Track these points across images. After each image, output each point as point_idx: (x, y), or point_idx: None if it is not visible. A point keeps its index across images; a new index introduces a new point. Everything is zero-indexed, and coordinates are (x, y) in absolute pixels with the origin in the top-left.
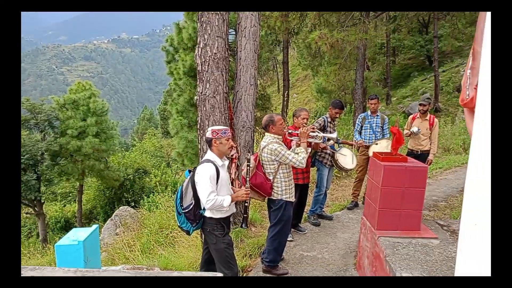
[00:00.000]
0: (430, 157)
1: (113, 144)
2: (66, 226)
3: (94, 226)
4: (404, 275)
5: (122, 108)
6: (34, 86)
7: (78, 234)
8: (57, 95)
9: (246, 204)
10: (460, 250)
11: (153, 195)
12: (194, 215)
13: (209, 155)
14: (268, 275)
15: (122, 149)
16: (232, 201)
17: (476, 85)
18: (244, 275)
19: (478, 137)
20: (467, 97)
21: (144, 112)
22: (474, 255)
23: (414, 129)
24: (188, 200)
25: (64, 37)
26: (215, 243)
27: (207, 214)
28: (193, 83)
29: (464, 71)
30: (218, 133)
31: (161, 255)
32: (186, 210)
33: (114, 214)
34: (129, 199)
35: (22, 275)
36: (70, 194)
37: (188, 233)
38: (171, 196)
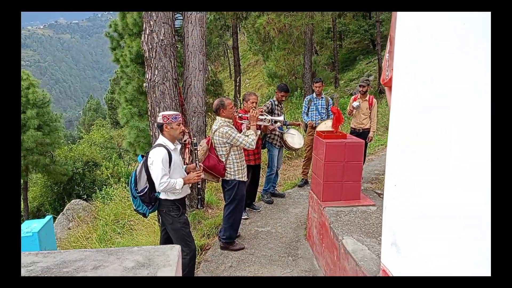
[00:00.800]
0: (371, 134)
1: (58, 137)
2: None
3: (48, 217)
4: (345, 239)
5: (65, 99)
6: None
7: (32, 225)
8: None
9: (198, 186)
10: (385, 207)
11: (106, 187)
12: (149, 198)
13: (161, 139)
14: (226, 251)
15: (68, 142)
16: (184, 184)
17: (393, 67)
18: (203, 253)
19: (394, 110)
20: (387, 77)
21: (90, 102)
22: (394, 211)
23: (355, 103)
24: (143, 184)
25: None
26: (172, 223)
27: (162, 196)
28: (141, 71)
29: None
30: (168, 118)
31: (119, 243)
32: (141, 194)
33: (66, 208)
34: (80, 193)
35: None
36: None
37: (144, 215)
38: (125, 187)
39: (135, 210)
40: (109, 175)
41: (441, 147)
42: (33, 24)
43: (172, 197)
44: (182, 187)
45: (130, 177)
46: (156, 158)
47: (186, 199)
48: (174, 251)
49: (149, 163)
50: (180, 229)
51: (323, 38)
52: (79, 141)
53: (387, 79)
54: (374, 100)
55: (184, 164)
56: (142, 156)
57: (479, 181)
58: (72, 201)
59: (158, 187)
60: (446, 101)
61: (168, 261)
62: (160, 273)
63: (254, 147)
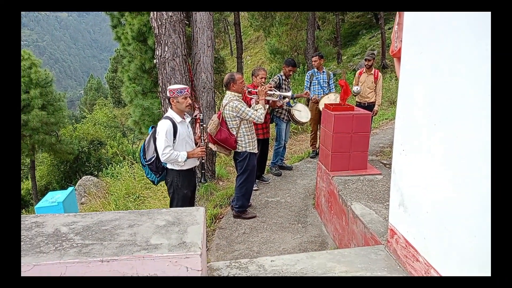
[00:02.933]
0: (376, 107)
1: (62, 116)
2: (22, 205)
3: (70, 188)
4: (354, 204)
5: (65, 79)
6: None
7: (56, 196)
8: None
9: (202, 161)
10: (393, 171)
11: (112, 166)
12: (156, 167)
13: (169, 112)
14: (239, 219)
15: (72, 121)
16: (188, 157)
17: (402, 38)
18: (216, 221)
19: (403, 79)
20: (395, 48)
21: (91, 81)
22: (402, 174)
23: (355, 88)
24: (150, 153)
25: None
26: (172, 192)
27: (169, 166)
28: (144, 48)
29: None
30: (174, 92)
31: None
32: (149, 162)
33: (78, 184)
34: (91, 170)
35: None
36: (21, 172)
37: (153, 183)
38: (131, 165)
39: (146, 176)
40: (117, 152)
41: (446, 113)
42: None
43: (177, 167)
44: (185, 160)
45: (140, 147)
46: (161, 129)
47: (197, 172)
48: (200, 211)
49: (156, 133)
50: (176, 201)
51: (325, 12)
52: (82, 121)
53: (396, 50)
54: (380, 74)
55: (195, 139)
56: (153, 128)
57: (482, 145)
58: (83, 177)
59: (160, 157)
60: (454, 69)
61: (195, 220)
62: (190, 230)
63: (263, 121)
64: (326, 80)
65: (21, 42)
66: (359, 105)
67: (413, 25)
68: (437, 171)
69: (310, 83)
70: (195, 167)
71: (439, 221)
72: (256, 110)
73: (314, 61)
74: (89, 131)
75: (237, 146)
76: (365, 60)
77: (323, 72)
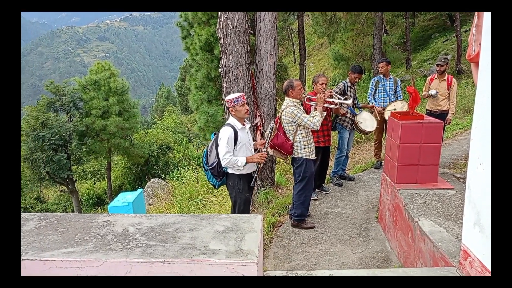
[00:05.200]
0: (449, 116)
1: (136, 122)
2: (98, 202)
3: (139, 190)
4: (422, 220)
5: (140, 87)
6: (53, 69)
7: (127, 197)
8: (77, 77)
9: (259, 166)
10: (468, 187)
11: (177, 169)
12: (217, 172)
13: (230, 119)
14: (297, 228)
15: (144, 127)
16: (247, 162)
17: (480, 42)
18: (275, 229)
19: (481, 86)
20: (473, 52)
21: (162, 89)
22: (479, 191)
23: (432, 91)
24: (212, 158)
25: (77, 18)
26: (234, 196)
27: (229, 170)
28: (210, 58)
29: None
30: (231, 102)
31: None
32: (211, 167)
33: (146, 186)
34: (159, 173)
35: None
36: (99, 172)
37: (214, 187)
38: (195, 169)
39: (208, 181)
40: (181, 158)
41: None
42: (110, 18)
43: (237, 172)
44: (244, 165)
45: (203, 152)
46: (223, 136)
47: (257, 178)
48: (258, 219)
49: (218, 140)
50: (238, 204)
51: (394, 16)
52: (153, 126)
53: (473, 55)
54: (454, 79)
55: (255, 146)
56: (215, 134)
57: None
58: (152, 180)
59: (221, 162)
60: None
61: (253, 227)
62: (247, 238)
63: (318, 128)
64: (393, 87)
65: (103, 54)
66: (430, 113)
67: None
68: None
69: (375, 90)
70: (253, 172)
71: None
72: (313, 116)
73: (381, 67)
74: (159, 136)
75: (294, 152)
76: (437, 65)
77: (390, 78)
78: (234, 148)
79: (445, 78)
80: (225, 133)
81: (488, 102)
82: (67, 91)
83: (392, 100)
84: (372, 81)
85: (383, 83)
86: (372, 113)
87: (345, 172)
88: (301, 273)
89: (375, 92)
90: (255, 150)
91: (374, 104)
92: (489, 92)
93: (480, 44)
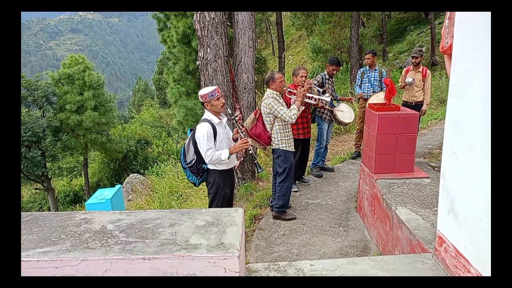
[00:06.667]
0: (424, 107)
1: (112, 116)
2: (76, 199)
3: (117, 186)
4: (399, 208)
5: (116, 81)
6: (24, 63)
7: (105, 193)
8: (50, 71)
9: (250, 152)
10: (442, 175)
11: (157, 164)
12: (197, 169)
13: (206, 114)
14: (278, 220)
15: (121, 121)
16: (231, 153)
17: (453, 34)
18: (256, 222)
19: (455, 77)
20: (446, 44)
21: (139, 83)
22: (452, 179)
23: (409, 79)
24: (191, 156)
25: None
26: (214, 192)
27: (210, 166)
28: (188, 51)
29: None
30: (205, 97)
31: None
32: (190, 165)
33: (125, 181)
34: (138, 168)
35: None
36: (75, 169)
37: (195, 184)
38: (175, 163)
39: (187, 179)
40: (160, 152)
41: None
42: None
43: (220, 167)
44: (228, 157)
45: (180, 150)
46: (201, 132)
47: (238, 171)
48: (239, 212)
49: (195, 137)
50: (217, 200)
51: None
52: (130, 121)
53: (446, 47)
54: (428, 71)
55: (233, 138)
56: (191, 130)
57: None
58: (131, 175)
59: (205, 160)
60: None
61: (234, 221)
62: (228, 231)
63: (294, 121)
64: (378, 78)
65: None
66: (406, 104)
67: (466, 19)
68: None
69: (361, 81)
70: (234, 167)
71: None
72: (290, 110)
73: (367, 58)
74: (137, 130)
75: (271, 143)
76: (412, 57)
77: (375, 70)
78: (214, 145)
79: (420, 69)
80: (203, 130)
81: (463, 92)
82: (39, 86)
83: (376, 91)
84: (358, 72)
85: (368, 74)
86: (357, 102)
87: (325, 164)
88: (282, 264)
89: (361, 83)
90: (234, 141)
91: (352, 98)
92: (463, 82)
93: (452, 36)
